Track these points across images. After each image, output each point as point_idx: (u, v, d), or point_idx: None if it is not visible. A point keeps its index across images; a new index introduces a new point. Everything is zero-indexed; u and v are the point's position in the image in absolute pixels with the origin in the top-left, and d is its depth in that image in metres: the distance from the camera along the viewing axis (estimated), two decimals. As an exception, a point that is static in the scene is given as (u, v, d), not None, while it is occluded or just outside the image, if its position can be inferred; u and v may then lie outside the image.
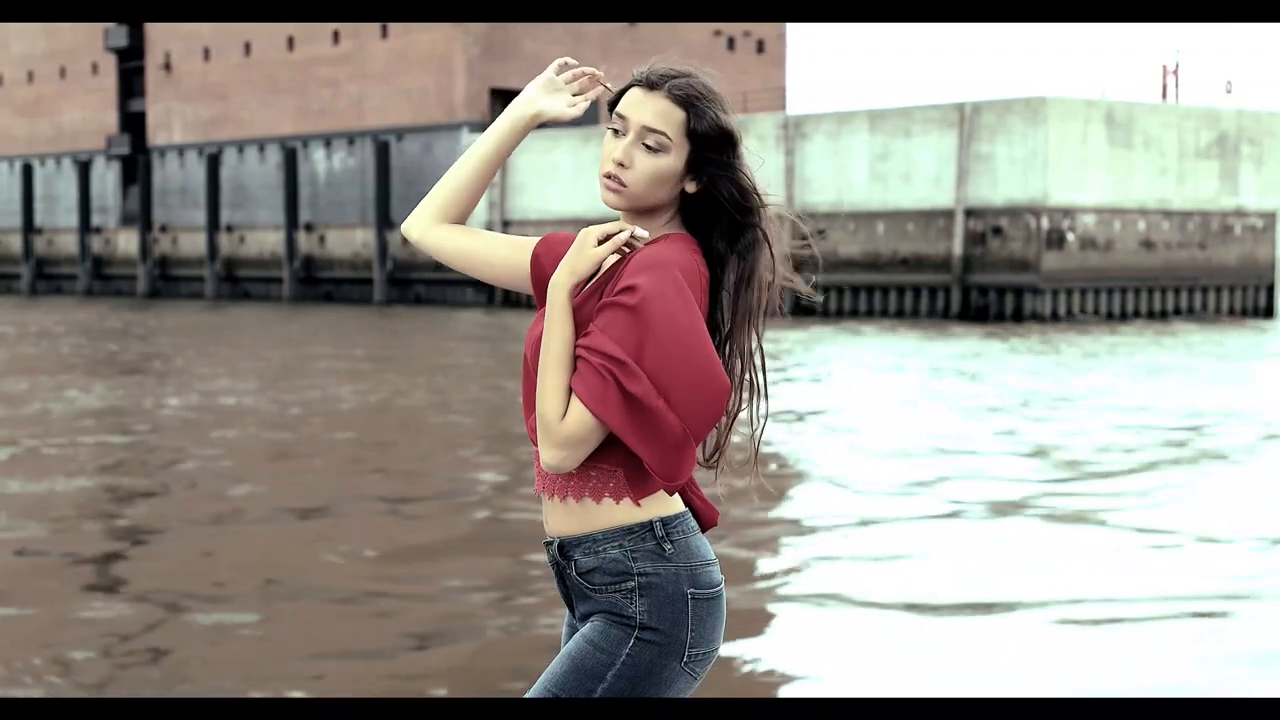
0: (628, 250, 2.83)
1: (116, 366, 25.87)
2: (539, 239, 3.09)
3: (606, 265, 2.86)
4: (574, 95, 3.00)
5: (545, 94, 3.00)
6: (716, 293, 2.88)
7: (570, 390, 2.75)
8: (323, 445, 15.31)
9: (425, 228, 3.09)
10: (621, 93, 2.87)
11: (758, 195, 2.87)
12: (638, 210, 2.87)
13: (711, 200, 2.86)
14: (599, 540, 2.84)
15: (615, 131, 2.84)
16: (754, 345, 2.91)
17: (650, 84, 2.83)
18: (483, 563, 9.47)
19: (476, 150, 3.06)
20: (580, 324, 2.80)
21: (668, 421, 2.71)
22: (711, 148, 2.82)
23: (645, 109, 2.82)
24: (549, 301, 2.80)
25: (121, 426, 16.90)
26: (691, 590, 2.83)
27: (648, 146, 2.81)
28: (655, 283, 2.72)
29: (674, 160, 2.82)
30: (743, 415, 2.92)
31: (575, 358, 2.77)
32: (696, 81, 2.83)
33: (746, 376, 2.92)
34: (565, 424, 2.74)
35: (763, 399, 2.95)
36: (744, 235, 2.87)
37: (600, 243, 2.81)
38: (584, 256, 2.80)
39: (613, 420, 2.72)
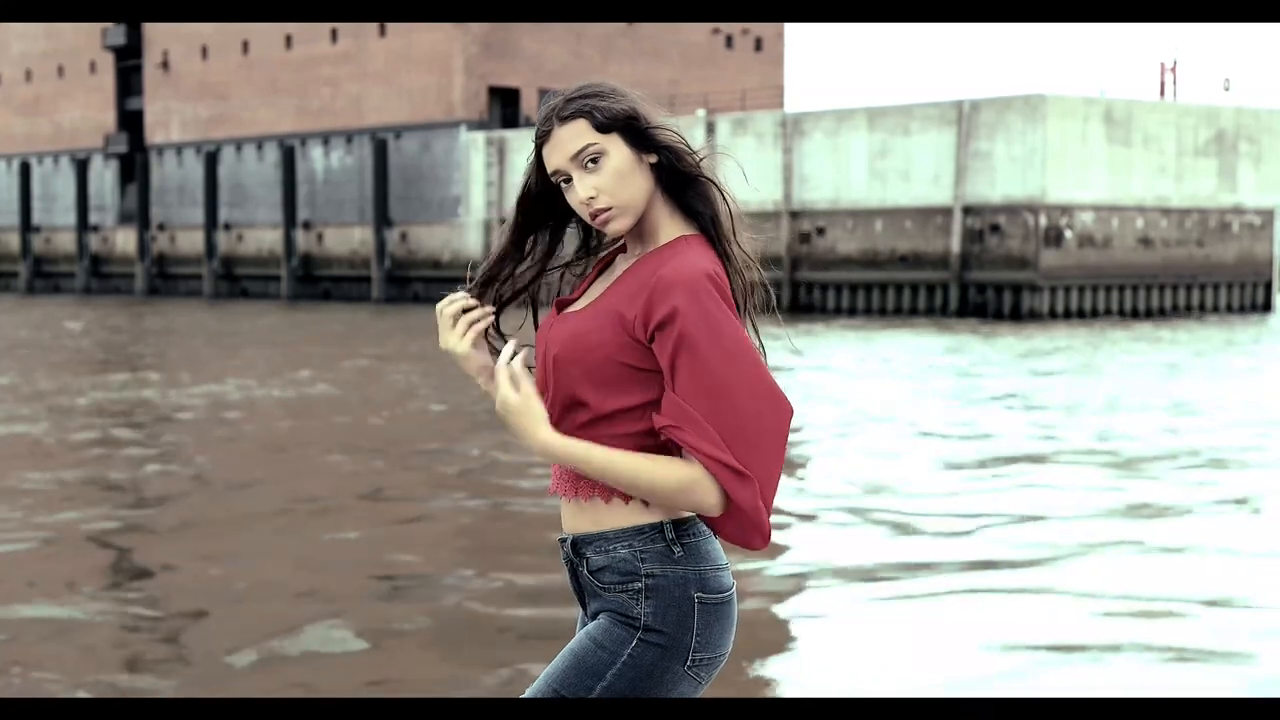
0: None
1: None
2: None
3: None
4: (461, 334, 2.94)
5: (446, 337, 2.95)
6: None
7: (659, 449, 2.80)
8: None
9: None
10: (540, 162, 2.89)
11: (690, 149, 2.87)
12: (639, 216, 2.86)
13: (668, 168, 2.87)
14: (610, 539, 2.85)
15: (565, 182, 2.86)
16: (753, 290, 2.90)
17: (545, 133, 2.85)
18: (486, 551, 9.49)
19: None
20: (604, 312, 2.81)
21: (747, 491, 2.76)
22: (627, 127, 2.83)
23: (561, 146, 2.83)
24: (545, 455, 2.80)
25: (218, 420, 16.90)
26: (699, 594, 2.83)
27: (591, 164, 2.82)
28: (699, 330, 2.73)
29: (619, 152, 2.82)
30: None
31: (632, 434, 2.80)
32: (572, 93, 2.85)
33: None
34: (719, 492, 2.77)
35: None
36: (694, 187, 2.87)
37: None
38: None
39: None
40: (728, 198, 2.88)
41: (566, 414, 2.86)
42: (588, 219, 2.85)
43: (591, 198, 2.81)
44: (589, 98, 2.83)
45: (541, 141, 2.86)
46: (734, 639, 2.90)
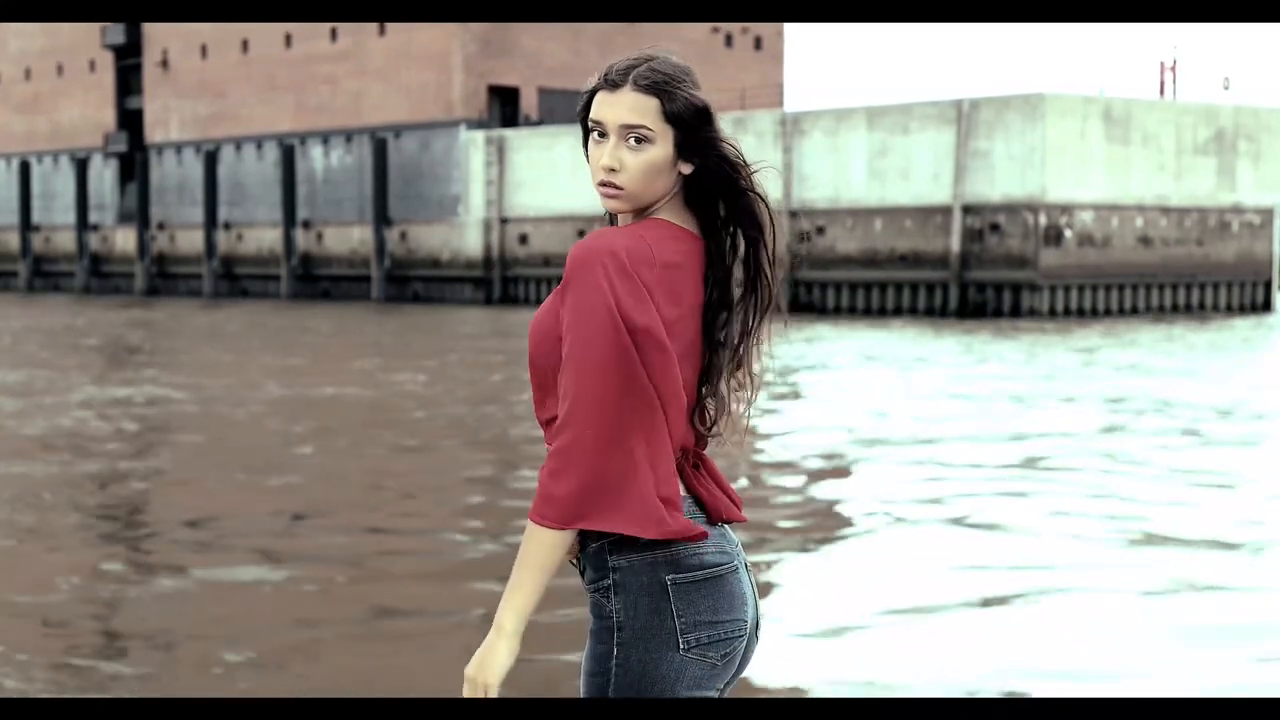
0: None
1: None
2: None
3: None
4: None
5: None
6: (710, 270, 2.78)
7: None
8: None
9: None
10: (590, 100, 2.79)
11: (745, 163, 2.79)
12: (641, 207, 2.79)
13: (708, 177, 2.78)
14: (590, 535, 2.74)
15: (598, 135, 2.77)
16: (756, 320, 2.80)
17: (614, 83, 2.75)
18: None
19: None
20: (555, 295, 2.76)
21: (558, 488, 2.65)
22: (692, 126, 2.75)
23: (618, 107, 2.74)
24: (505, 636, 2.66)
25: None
26: (671, 576, 2.68)
27: (634, 143, 2.73)
28: (578, 305, 2.66)
29: (662, 149, 2.74)
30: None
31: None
32: (660, 65, 2.75)
33: (750, 350, 2.81)
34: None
35: (756, 377, 2.85)
36: (741, 202, 2.78)
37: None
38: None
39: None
40: (773, 216, 2.80)
41: (548, 425, 2.79)
42: (595, 180, 2.78)
43: (613, 169, 2.74)
44: (674, 81, 2.74)
45: (604, 88, 2.76)
46: (746, 608, 2.74)
